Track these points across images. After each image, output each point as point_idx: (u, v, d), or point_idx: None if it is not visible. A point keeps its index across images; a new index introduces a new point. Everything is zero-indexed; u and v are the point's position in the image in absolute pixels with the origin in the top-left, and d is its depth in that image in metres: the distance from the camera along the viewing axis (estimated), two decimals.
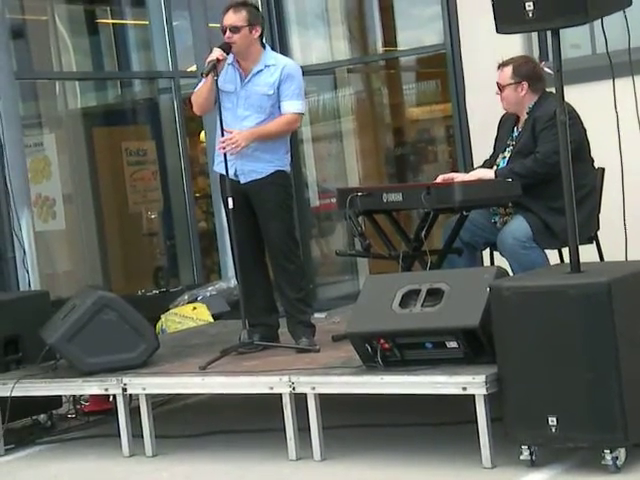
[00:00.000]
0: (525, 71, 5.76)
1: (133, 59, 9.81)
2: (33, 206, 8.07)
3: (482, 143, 6.17)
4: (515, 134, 5.85)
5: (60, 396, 6.10)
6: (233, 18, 5.59)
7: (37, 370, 5.67)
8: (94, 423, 6.08)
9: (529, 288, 4.39)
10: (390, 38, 9.90)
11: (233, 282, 7.92)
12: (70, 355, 5.52)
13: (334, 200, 9.11)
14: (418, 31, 9.81)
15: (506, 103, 5.82)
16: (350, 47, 10.00)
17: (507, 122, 5.94)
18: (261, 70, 5.66)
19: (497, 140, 6.00)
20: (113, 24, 9.76)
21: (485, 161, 6.05)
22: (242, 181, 5.70)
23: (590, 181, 5.68)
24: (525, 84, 5.73)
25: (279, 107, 5.65)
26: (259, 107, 5.65)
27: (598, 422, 4.21)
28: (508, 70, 5.77)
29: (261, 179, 5.68)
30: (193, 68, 8.96)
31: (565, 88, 4.52)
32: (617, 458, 4.25)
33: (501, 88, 5.80)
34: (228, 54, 5.61)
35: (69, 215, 8.74)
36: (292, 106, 5.65)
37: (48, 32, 8.99)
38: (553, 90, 5.57)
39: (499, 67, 5.84)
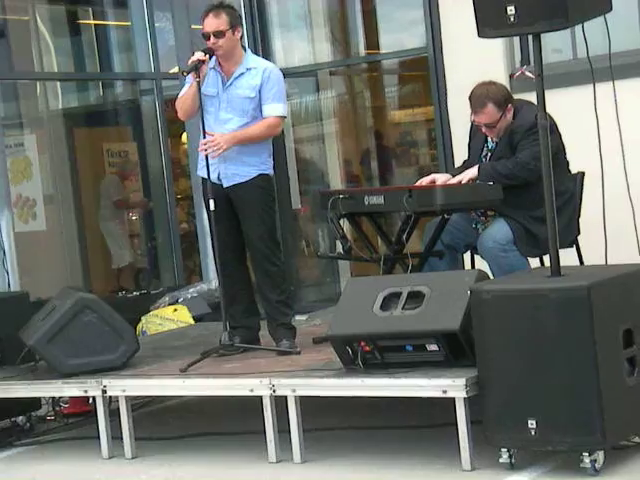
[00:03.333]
0: (502, 97, 5.66)
1: (115, 60, 9.78)
2: (13, 207, 8.03)
3: (463, 146, 6.17)
4: (490, 144, 5.84)
5: (39, 398, 6.07)
6: (215, 22, 5.60)
7: (16, 371, 5.66)
8: (73, 425, 6.06)
9: (509, 291, 4.40)
10: (373, 41, 9.92)
11: (214, 284, 7.91)
12: (50, 356, 5.50)
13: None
14: (400, 34, 9.83)
15: (497, 132, 5.72)
16: (332, 49, 10.01)
17: (479, 133, 5.90)
18: (243, 73, 5.67)
19: (470, 148, 6.00)
20: (95, 25, 9.73)
21: (464, 161, 6.06)
22: (225, 185, 5.70)
23: (569, 186, 5.69)
24: (510, 106, 5.69)
25: (261, 110, 5.65)
26: (241, 110, 5.65)
27: (577, 425, 4.23)
28: (491, 108, 5.62)
29: (244, 183, 5.68)
30: (175, 70, 8.94)
31: (546, 92, 4.54)
32: (595, 461, 4.26)
33: (494, 125, 5.67)
34: (211, 58, 5.62)
35: (50, 216, 8.71)
36: (274, 109, 5.66)
37: (30, 32, 8.96)
38: (528, 97, 5.64)
39: (476, 111, 5.65)
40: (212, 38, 5.59)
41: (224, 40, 5.59)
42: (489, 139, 5.85)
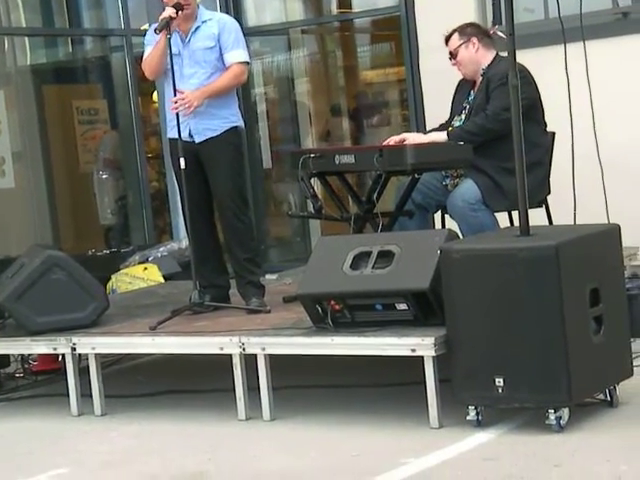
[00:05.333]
0: (469, 30, 5.86)
1: (84, 16, 9.67)
2: None
3: (435, 106, 6.20)
4: (471, 97, 5.87)
5: (8, 355, 6.05)
6: None
7: None
8: (42, 382, 6.05)
9: (478, 251, 4.43)
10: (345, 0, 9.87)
11: (184, 243, 7.89)
12: (18, 314, 5.48)
13: None
14: None
15: (463, 67, 5.83)
16: (304, 8, 9.95)
17: (464, 87, 5.95)
18: (199, 27, 5.70)
19: (453, 104, 6.02)
20: None
21: (441, 125, 6.06)
22: (197, 140, 5.68)
23: (544, 143, 5.70)
24: (474, 39, 5.80)
25: (223, 61, 5.65)
26: (203, 62, 5.66)
27: (543, 383, 4.27)
28: (454, 36, 5.85)
29: (216, 137, 5.67)
30: (146, 27, 8.84)
31: (517, 52, 4.54)
32: (561, 418, 4.32)
33: (453, 54, 5.83)
34: (179, 13, 5.58)
35: (18, 174, 8.64)
36: (235, 56, 5.68)
37: None
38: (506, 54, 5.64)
39: (446, 41, 5.89)
40: None
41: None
42: (471, 92, 5.86)
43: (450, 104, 6.03)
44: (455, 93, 6.03)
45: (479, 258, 4.39)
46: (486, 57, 5.78)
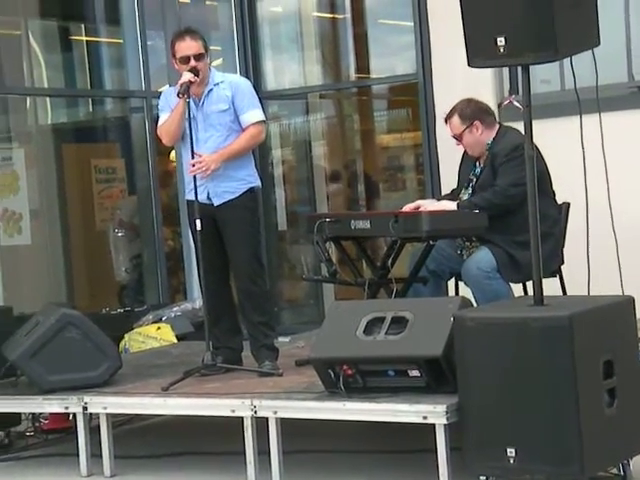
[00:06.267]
0: (470, 112, 5.84)
1: (106, 77, 9.80)
2: (0, 220, 8.03)
3: (451, 172, 6.22)
4: (477, 170, 5.91)
5: (19, 413, 6.05)
6: (195, 46, 5.68)
7: None
8: (53, 441, 6.03)
9: (492, 319, 4.43)
10: (363, 65, 9.98)
11: (198, 303, 7.91)
12: (32, 372, 5.49)
13: None
14: (391, 59, 9.89)
15: (469, 149, 5.90)
16: (323, 72, 10.06)
17: (469, 158, 5.99)
18: (212, 89, 5.74)
19: (460, 173, 6.07)
20: (87, 41, 9.75)
21: (453, 190, 6.11)
22: (216, 203, 5.72)
23: (553, 214, 5.74)
24: (477, 122, 5.81)
25: (239, 122, 5.70)
26: (218, 125, 5.71)
27: (556, 455, 4.24)
28: (455, 119, 5.85)
29: (234, 199, 5.70)
30: (165, 88, 8.96)
31: (533, 122, 4.57)
32: None
33: (458, 137, 5.86)
34: (197, 78, 5.66)
35: (35, 230, 8.70)
36: (252, 116, 5.72)
37: (21, 47, 8.98)
38: (515, 127, 5.70)
39: (446, 121, 5.92)
40: (193, 61, 5.64)
41: (202, 63, 5.68)
42: (477, 164, 5.91)
43: (457, 173, 6.08)
44: (461, 163, 6.08)
45: (493, 327, 4.38)
46: (490, 134, 5.83)
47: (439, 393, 4.62)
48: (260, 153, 8.55)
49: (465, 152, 6.02)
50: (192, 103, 5.70)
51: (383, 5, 9.95)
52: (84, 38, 9.76)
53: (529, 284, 4.91)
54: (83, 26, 9.75)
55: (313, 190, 9.98)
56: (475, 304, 5.33)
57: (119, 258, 9.57)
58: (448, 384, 4.61)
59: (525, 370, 4.27)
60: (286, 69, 9.86)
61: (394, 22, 9.83)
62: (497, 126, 5.88)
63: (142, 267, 9.46)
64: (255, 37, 9.27)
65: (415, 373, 4.69)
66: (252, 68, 9.15)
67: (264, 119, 5.83)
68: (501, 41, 4.35)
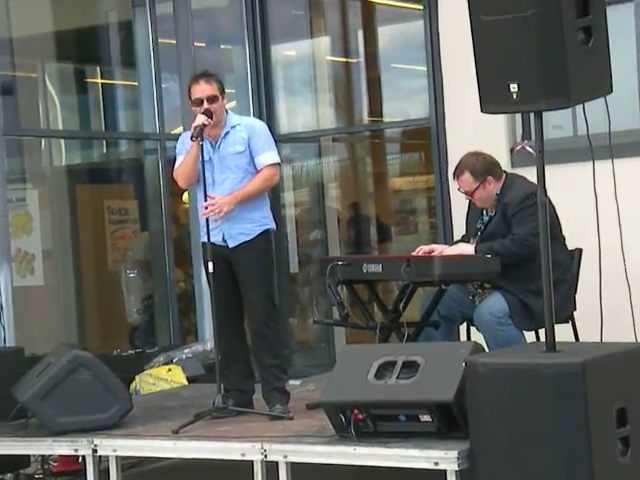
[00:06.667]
0: (481, 168, 5.81)
1: (120, 119, 9.87)
2: (12, 261, 8.04)
3: (463, 216, 6.23)
4: (484, 218, 5.91)
5: (28, 455, 6.02)
6: (209, 89, 5.71)
7: (7, 428, 5.62)
8: None
9: (504, 365, 4.41)
10: (376, 108, 10.03)
11: (209, 345, 7.89)
12: (42, 414, 5.47)
13: None
14: (404, 102, 9.95)
15: (480, 203, 5.89)
16: (336, 116, 10.11)
17: (476, 206, 5.98)
18: (228, 132, 5.78)
19: (467, 223, 6.07)
20: (102, 84, 9.83)
21: (462, 236, 6.11)
22: (231, 245, 5.74)
23: (564, 260, 5.74)
24: (489, 178, 5.81)
25: (254, 165, 5.73)
26: (235, 167, 5.74)
27: None
28: (467, 177, 5.82)
29: (249, 241, 5.72)
30: (179, 130, 9.02)
31: (546, 168, 4.59)
32: None
33: (470, 194, 5.85)
34: (211, 120, 5.69)
35: (48, 271, 8.72)
36: (266, 158, 5.75)
37: (37, 89, 9.05)
38: (527, 172, 5.71)
39: (455, 177, 5.89)
40: (206, 103, 5.68)
41: (217, 105, 5.71)
42: (484, 212, 5.91)
43: (465, 221, 6.08)
44: (468, 211, 6.08)
45: (505, 372, 4.36)
46: (498, 185, 5.83)
47: (451, 439, 4.60)
48: (272, 195, 8.58)
49: (470, 200, 6.01)
50: (208, 145, 5.74)
51: (396, 49, 10.03)
52: (99, 80, 9.84)
53: (542, 331, 4.90)
54: (99, 68, 9.84)
55: (325, 232, 10.00)
56: (487, 349, 5.31)
57: (131, 299, 9.58)
58: (460, 430, 4.59)
59: (538, 417, 4.25)
60: (299, 112, 9.91)
61: (407, 66, 9.90)
62: (504, 176, 5.88)
63: (153, 308, 9.46)
64: (269, 80, 9.33)
65: (426, 418, 4.67)
66: (266, 111, 9.20)
67: (279, 162, 5.86)
68: (514, 87, 4.37)
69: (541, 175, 4.56)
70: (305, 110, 9.95)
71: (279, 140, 8.94)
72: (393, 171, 11.16)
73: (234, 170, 5.74)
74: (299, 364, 9.40)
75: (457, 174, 5.87)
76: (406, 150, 10.89)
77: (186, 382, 7.52)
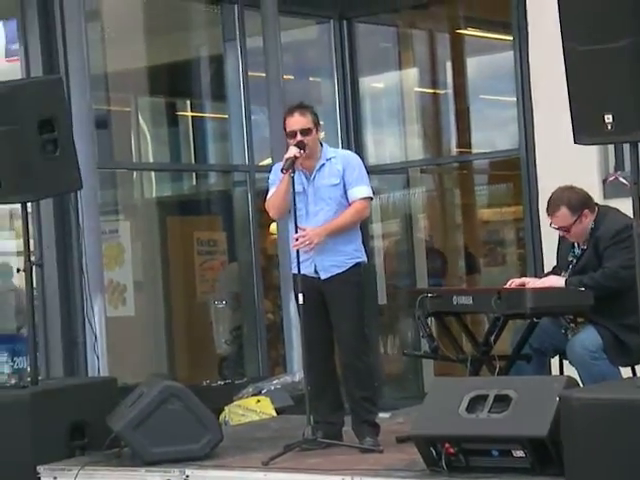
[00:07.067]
0: (577, 202, 5.68)
1: (210, 151, 9.98)
2: (105, 292, 8.17)
3: (552, 248, 6.15)
4: (576, 251, 5.82)
5: None
6: (303, 121, 5.75)
7: (101, 457, 5.69)
8: None
9: (600, 400, 4.33)
10: (464, 139, 10.00)
11: (298, 376, 7.90)
12: (135, 443, 5.54)
13: None
14: (493, 133, 9.90)
15: (576, 237, 5.76)
16: (424, 147, 10.11)
17: (567, 239, 5.89)
18: (324, 164, 5.81)
19: (558, 257, 5.98)
20: (192, 116, 9.98)
21: (554, 268, 6.03)
22: (323, 277, 5.75)
23: None
24: (586, 211, 5.70)
25: (347, 197, 5.75)
26: (329, 199, 5.76)
27: None
28: (564, 211, 5.67)
29: (341, 274, 5.73)
30: (268, 162, 9.10)
31: None
32: None
33: (566, 229, 5.73)
34: (304, 152, 5.73)
35: (139, 302, 8.83)
36: (359, 192, 5.76)
37: (130, 123, 9.23)
38: (621, 203, 5.60)
39: (549, 214, 5.74)
40: (299, 135, 5.71)
41: (310, 138, 5.74)
42: (576, 245, 5.82)
43: (556, 254, 5.99)
44: (559, 244, 5.98)
45: (601, 408, 4.28)
46: (593, 217, 5.73)
47: (544, 475, 4.53)
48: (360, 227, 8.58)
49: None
50: (303, 177, 5.77)
51: (485, 80, 10.01)
52: (190, 113, 9.99)
53: (638, 368, 4.80)
54: (189, 102, 9.99)
55: (413, 264, 9.96)
56: (581, 384, 5.22)
57: (219, 330, 9.65)
58: (554, 466, 4.51)
59: (635, 455, 4.16)
60: (387, 144, 9.93)
61: (495, 97, 9.86)
62: (596, 208, 5.79)
63: (242, 339, 9.51)
64: (357, 112, 9.37)
65: (519, 453, 4.60)
66: (354, 143, 9.24)
67: (371, 196, 5.86)
68: (609, 118, 4.32)
69: (637, 206, 4.48)
70: (393, 141, 9.97)
71: (367, 172, 8.97)
72: (481, 202, 11.10)
73: (328, 202, 5.76)
74: (388, 396, 9.36)
75: (552, 210, 5.73)
76: (494, 181, 10.82)
77: (275, 413, 7.53)
